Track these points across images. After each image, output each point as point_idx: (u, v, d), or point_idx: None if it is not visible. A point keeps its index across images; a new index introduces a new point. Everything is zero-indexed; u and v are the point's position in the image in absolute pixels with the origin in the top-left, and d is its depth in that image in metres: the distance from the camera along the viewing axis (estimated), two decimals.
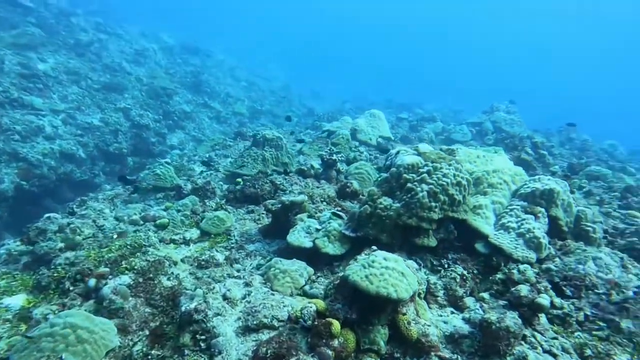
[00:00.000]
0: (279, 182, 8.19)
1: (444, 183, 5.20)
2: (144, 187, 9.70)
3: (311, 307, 3.79)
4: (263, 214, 7.37)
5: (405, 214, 5.20)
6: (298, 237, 5.75)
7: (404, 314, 3.90)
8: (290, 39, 54.86)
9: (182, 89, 18.59)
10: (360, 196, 7.71)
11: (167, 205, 8.30)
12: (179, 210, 7.76)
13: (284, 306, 4.40)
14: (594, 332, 4.19)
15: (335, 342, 3.57)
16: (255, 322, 4.09)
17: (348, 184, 7.59)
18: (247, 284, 4.91)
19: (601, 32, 72.61)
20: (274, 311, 4.24)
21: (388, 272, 3.71)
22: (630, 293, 4.53)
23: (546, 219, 5.47)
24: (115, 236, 6.75)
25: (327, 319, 3.65)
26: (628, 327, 4.11)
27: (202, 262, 5.68)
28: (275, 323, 4.12)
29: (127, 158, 14.61)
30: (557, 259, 5.17)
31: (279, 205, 6.37)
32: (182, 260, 5.96)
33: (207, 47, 26.36)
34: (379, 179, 5.81)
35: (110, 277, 5.10)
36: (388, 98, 30.30)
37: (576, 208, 5.85)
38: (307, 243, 5.64)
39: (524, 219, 5.41)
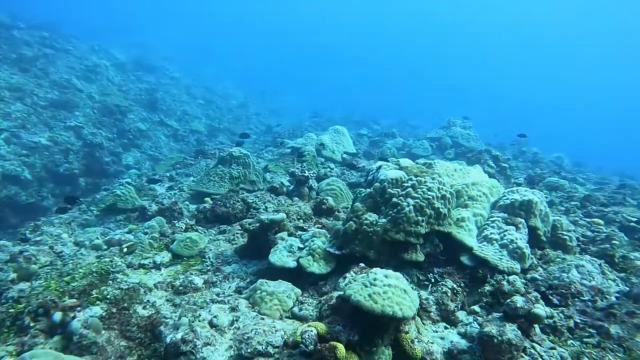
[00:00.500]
0: (251, 201, 7.92)
1: (430, 197, 5.20)
2: (102, 209, 9.13)
3: (311, 330, 3.58)
4: (238, 233, 7.07)
5: (393, 229, 5.13)
6: (280, 256, 5.52)
7: (407, 333, 3.78)
8: (245, 57, 54.76)
9: (137, 106, 17.86)
10: (336, 212, 7.60)
11: (131, 228, 7.80)
12: (145, 233, 7.29)
13: (276, 331, 4.15)
14: (584, 339, 4.26)
15: None
16: (249, 350, 3.81)
17: (324, 201, 7.45)
18: (233, 309, 4.61)
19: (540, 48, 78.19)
20: (267, 337, 3.98)
21: (391, 289, 3.59)
22: (613, 298, 4.68)
23: (526, 230, 5.59)
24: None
25: (331, 342, 3.46)
26: (617, 333, 4.21)
27: (180, 288, 5.31)
28: (270, 350, 3.86)
29: (79, 179, 13.73)
30: (539, 269, 5.28)
31: (257, 225, 6.12)
32: (155, 286, 5.55)
33: (160, 64, 25.64)
34: (363, 194, 5.73)
35: (78, 309, 4.63)
36: (345, 114, 30.71)
37: (552, 218, 6.04)
38: (291, 263, 5.42)
39: (505, 230, 5.50)
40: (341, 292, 4.46)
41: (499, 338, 3.74)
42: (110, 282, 5.17)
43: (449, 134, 17.50)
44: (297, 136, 19.03)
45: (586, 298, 4.69)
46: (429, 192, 5.23)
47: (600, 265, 5.26)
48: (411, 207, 5.13)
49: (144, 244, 6.95)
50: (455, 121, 18.16)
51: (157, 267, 6.34)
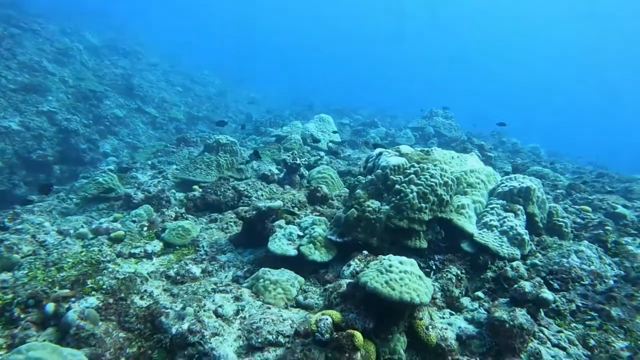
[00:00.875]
0: (242, 189, 7.73)
1: (433, 184, 5.17)
2: (84, 197, 8.77)
3: (326, 319, 3.49)
4: (231, 221, 6.89)
5: (396, 216, 5.09)
6: (280, 245, 5.40)
7: (421, 319, 3.75)
8: (223, 43, 53.56)
9: (113, 92, 17.15)
10: (330, 200, 7.51)
11: (117, 216, 7.51)
12: (134, 221, 7.02)
13: (284, 320, 4.05)
14: (587, 322, 4.35)
15: (358, 355, 3.31)
16: (259, 340, 3.70)
17: (318, 189, 7.34)
18: (236, 298, 4.47)
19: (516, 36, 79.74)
20: (277, 326, 3.88)
21: (407, 276, 3.54)
22: (611, 282, 4.78)
23: (524, 216, 5.65)
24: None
25: (348, 330, 3.38)
26: (618, 315, 4.31)
27: (178, 277, 5.12)
28: (282, 339, 3.76)
29: (54, 166, 13.12)
30: (538, 254, 5.35)
31: (254, 212, 5.97)
32: (150, 276, 5.34)
33: (135, 49, 24.71)
34: (364, 181, 5.65)
35: (72, 299, 4.39)
36: (324, 103, 30.52)
37: (548, 205, 6.13)
38: (292, 251, 5.31)
39: (505, 217, 5.54)
40: (350, 280, 4.40)
41: (511, 323, 3.75)
42: (105, 271, 4.92)
43: (431, 123, 17.63)
44: (279, 125, 18.81)
45: (586, 282, 4.78)
46: (432, 179, 5.20)
47: (596, 250, 5.37)
48: (414, 193, 5.09)
49: (133, 233, 6.70)
50: (437, 111, 18.29)
51: (148, 256, 6.12)
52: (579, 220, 6.99)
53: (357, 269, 4.73)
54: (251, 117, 23.71)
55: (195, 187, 8.44)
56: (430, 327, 3.72)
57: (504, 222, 5.49)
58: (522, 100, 69.68)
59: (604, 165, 19.57)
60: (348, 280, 4.33)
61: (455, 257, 5.35)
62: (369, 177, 5.60)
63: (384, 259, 3.79)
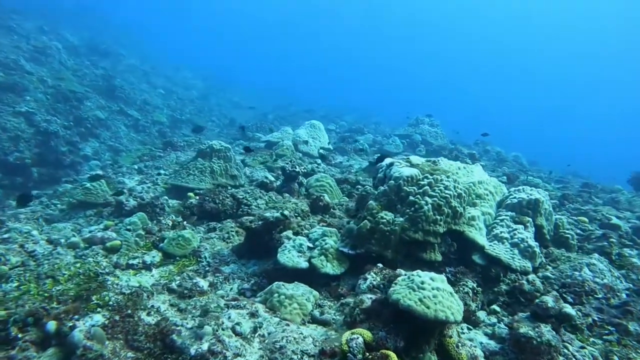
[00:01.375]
0: (241, 197, 7.52)
1: (447, 195, 5.12)
2: (69, 203, 8.41)
3: (357, 338, 3.36)
4: (232, 231, 6.68)
5: (411, 229, 5.01)
6: (291, 257, 5.24)
7: (451, 337, 3.66)
8: (203, 46, 52.83)
9: (94, 93, 16.55)
10: (331, 210, 7.38)
11: (108, 224, 7.18)
12: (129, 230, 6.72)
13: (304, 338, 3.89)
14: (604, 337, 4.35)
15: None
16: None
17: (320, 198, 7.20)
18: (252, 315, 4.28)
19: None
20: (300, 345, 3.72)
21: (440, 293, 3.45)
22: (624, 295, 4.82)
23: (533, 228, 5.67)
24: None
25: (382, 350, 3.26)
26: (636, 330, 4.33)
27: (185, 292, 4.88)
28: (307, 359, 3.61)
29: (32, 169, 12.53)
30: (549, 267, 5.36)
31: (260, 223, 5.78)
32: (154, 289, 5.08)
33: (115, 49, 24.03)
34: (377, 192, 5.55)
35: (75, 317, 4.12)
36: (308, 109, 30.43)
37: (554, 216, 6.18)
38: (303, 263, 5.16)
39: (515, 229, 5.54)
40: (369, 295, 4.29)
41: (538, 339, 3.71)
42: (110, 285, 4.64)
43: (417, 131, 17.75)
44: (265, 130, 18.57)
45: (600, 296, 4.80)
46: (446, 191, 5.15)
47: (607, 263, 5.43)
48: (429, 205, 5.03)
49: (130, 242, 6.41)
50: (423, 119, 18.43)
51: (147, 267, 5.87)
52: (578, 231, 7.09)
53: (374, 282, 4.62)
54: (235, 121, 23.40)
55: (191, 194, 8.16)
56: (460, 344, 3.64)
57: (515, 234, 5.49)
58: (496, 108, 71.27)
59: (577, 172, 20.07)
60: (370, 296, 4.22)
61: (466, 269, 5.30)
62: (381, 188, 5.50)
63: (413, 275, 3.69)
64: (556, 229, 6.15)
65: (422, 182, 5.28)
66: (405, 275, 3.82)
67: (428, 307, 3.31)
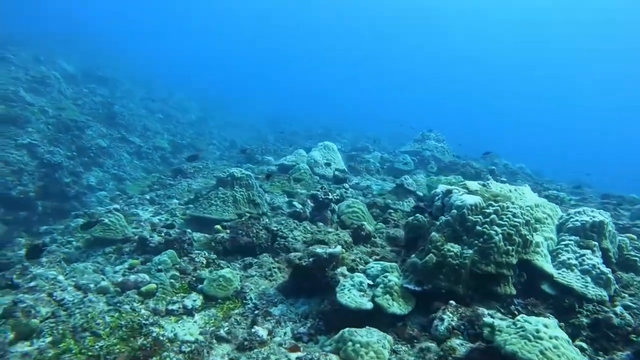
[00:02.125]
0: (275, 228, 7.12)
1: (517, 223, 4.82)
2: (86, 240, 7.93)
3: None
4: (274, 267, 6.27)
5: (482, 261, 4.68)
6: (353, 297, 4.84)
7: None
8: (193, 68, 52.49)
9: (95, 121, 16.09)
10: (372, 238, 7.02)
11: (132, 263, 6.73)
12: (159, 270, 6.27)
13: None
14: None
15: None
16: None
17: (362, 227, 6.85)
18: None
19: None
20: None
21: (559, 343, 3.11)
22: None
23: (600, 252, 5.38)
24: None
25: None
26: None
27: (245, 342, 4.45)
28: None
29: (36, 202, 11.97)
30: (624, 295, 5.06)
31: (311, 260, 5.39)
32: (209, 341, 4.64)
33: (110, 75, 23.60)
34: (439, 223, 5.21)
35: None
36: (306, 127, 30.24)
37: (618, 237, 5.91)
38: (367, 304, 4.76)
39: (583, 255, 5.25)
40: (461, 341, 3.93)
41: None
42: (169, 345, 4.21)
43: (424, 147, 17.58)
44: (270, 152, 18.24)
45: None
46: (515, 219, 4.85)
47: None
48: (500, 235, 4.72)
49: (165, 285, 5.95)
50: (428, 134, 18.29)
51: (189, 312, 5.42)
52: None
53: (453, 324, 4.26)
54: (235, 143, 23.04)
55: (218, 227, 7.73)
56: None
57: (583, 260, 5.19)
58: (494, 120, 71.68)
59: (581, 180, 20.01)
60: (459, 342, 3.86)
61: (537, 300, 4.98)
62: (443, 218, 5.17)
63: (520, 321, 3.34)
64: (620, 251, 5.88)
65: (487, 211, 4.97)
66: (509, 320, 3.48)
67: None
